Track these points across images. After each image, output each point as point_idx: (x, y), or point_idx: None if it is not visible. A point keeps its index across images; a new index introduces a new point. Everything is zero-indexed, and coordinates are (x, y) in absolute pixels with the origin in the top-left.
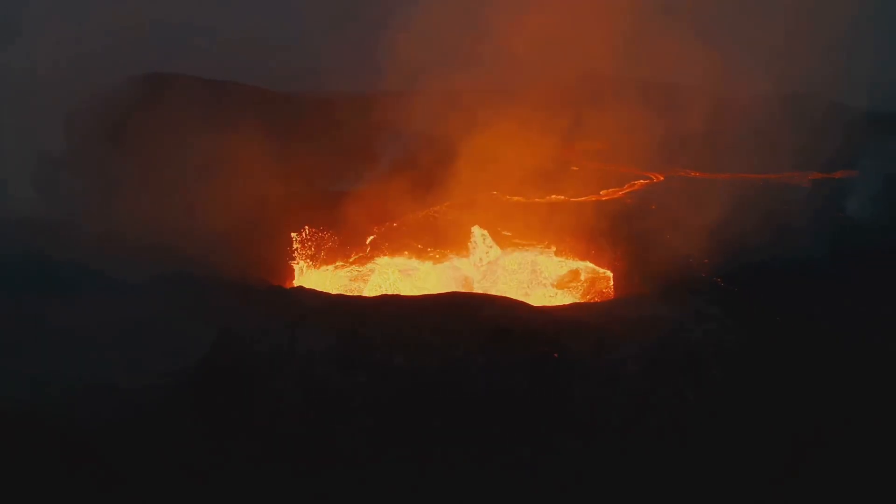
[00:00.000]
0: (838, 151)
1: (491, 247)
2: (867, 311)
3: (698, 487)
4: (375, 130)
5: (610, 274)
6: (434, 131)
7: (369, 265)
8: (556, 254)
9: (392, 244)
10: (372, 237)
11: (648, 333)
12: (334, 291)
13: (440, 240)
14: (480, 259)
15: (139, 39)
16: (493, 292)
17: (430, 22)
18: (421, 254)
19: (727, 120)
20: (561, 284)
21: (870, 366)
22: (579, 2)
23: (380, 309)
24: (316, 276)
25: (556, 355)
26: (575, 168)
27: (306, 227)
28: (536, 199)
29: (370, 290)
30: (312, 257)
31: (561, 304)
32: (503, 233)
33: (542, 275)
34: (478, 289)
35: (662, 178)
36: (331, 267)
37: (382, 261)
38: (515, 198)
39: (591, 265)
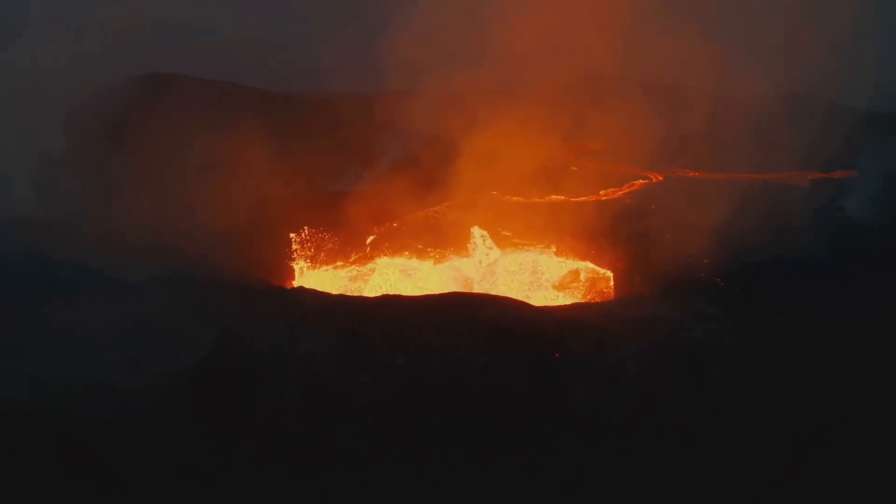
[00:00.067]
0: (838, 151)
1: (491, 248)
2: (867, 311)
3: (699, 487)
4: (375, 130)
5: (610, 274)
6: (434, 131)
7: (369, 265)
8: (556, 254)
9: (392, 244)
10: (372, 237)
11: (649, 333)
12: (335, 292)
13: (440, 240)
14: (480, 261)
15: (139, 39)
16: (493, 293)
17: (430, 22)
18: (421, 254)
19: (727, 120)
20: (562, 285)
21: (870, 366)
22: (579, 2)
23: (380, 309)
24: (316, 276)
25: (557, 355)
26: (574, 168)
27: (306, 228)
28: (536, 199)
29: (370, 290)
30: (313, 257)
31: (561, 304)
32: (503, 233)
33: (542, 276)
34: (478, 290)
35: (662, 178)
36: (331, 267)
37: (382, 261)
38: (515, 198)
39: (591, 265)
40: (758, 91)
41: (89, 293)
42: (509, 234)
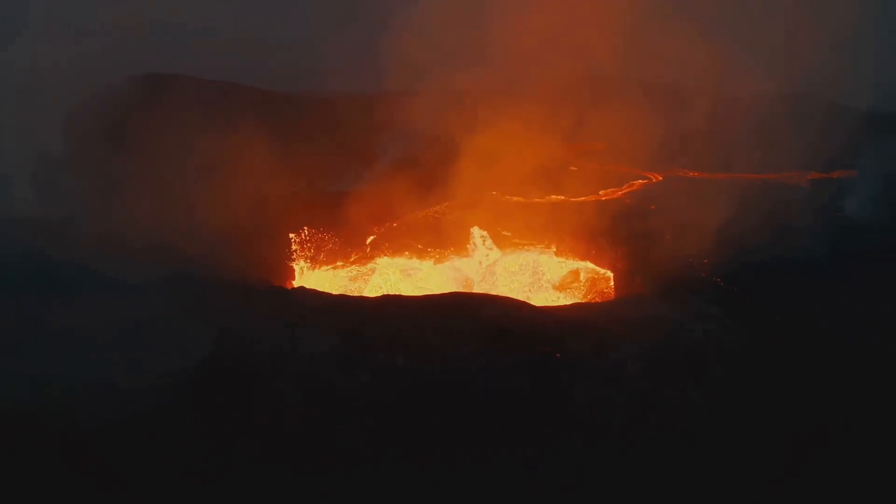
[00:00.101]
0: (838, 151)
1: (491, 249)
2: (867, 311)
3: (700, 487)
4: (375, 130)
5: (610, 274)
6: (434, 131)
7: (369, 265)
8: (557, 254)
9: (392, 244)
10: (372, 237)
11: (649, 333)
12: (335, 292)
13: (440, 240)
14: (480, 263)
15: (139, 39)
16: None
17: (429, 21)
18: (421, 254)
19: (726, 120)
20: (562, 286)
21: (870, 366)
22: (578, 2)
23: (381, 309)
24: (316, 276)
25: (558, 355)
26: (574, 168)
27: (306, 228)
28: (536, 199)
29: (371, 290)
30: (313, 257)
31: (562, 304)
32: (503, 233)
33: (543, 277)
34: (478, 290)
35: (661, 178)
36: (331, 267)
37: (383, 261)
38: (515, 198)
39: (591, 265)
40: (758, 91)
41: (89, 293)
42: (509, 234)
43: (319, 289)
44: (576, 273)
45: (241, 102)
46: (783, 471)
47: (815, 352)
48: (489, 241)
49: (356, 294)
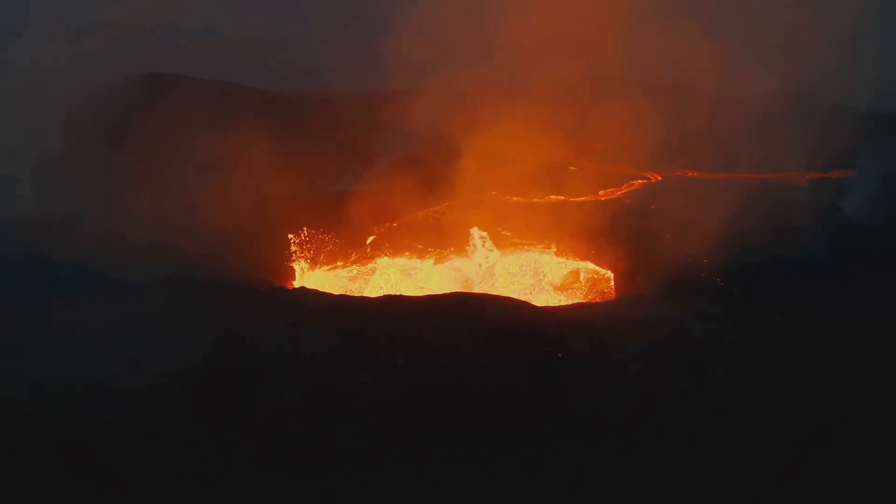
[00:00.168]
0: (838, 151)
1: (491, 250)
2: (867, 311)
3: (700, 487)
4: (375, 130)
5: (611, 274)
6: (434, 131)
7: (370, 265)
8: (557, 254)
9: (392, 244)
10: (372, 237)
11: (650, 333)
12: (336, 292)
13: (441, 240)
14: (480, 265)
15: (139, 39)
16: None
17: (430, 21)
18: (422, 254)
19: (726, 120)
20: (564, 286)
21: (870, 366)
22: (578, 2)
23: (383, 309)
24: (317, 276)
25: (559, 355)
26: (573, 168)
27: (307, 228)
28: (536, 200)
29: (371, 290)
30: (314, 257)
31: (563, 304)
32: (503, 233)
33: (544, 278)
34: (478, 290)
35: (660, 178)
36: (331, 267)
37: (383, 261)
38: (515, 198)
39: (591, 266)
40: (758, 91)
41: (89, 293)
42: (509, 234)
43: (320, 289)
44: (576, 273)
45: (241, 102)
46: (783, 471)
47: (815, 352)
48: (489, 243)
49: (357, 294)
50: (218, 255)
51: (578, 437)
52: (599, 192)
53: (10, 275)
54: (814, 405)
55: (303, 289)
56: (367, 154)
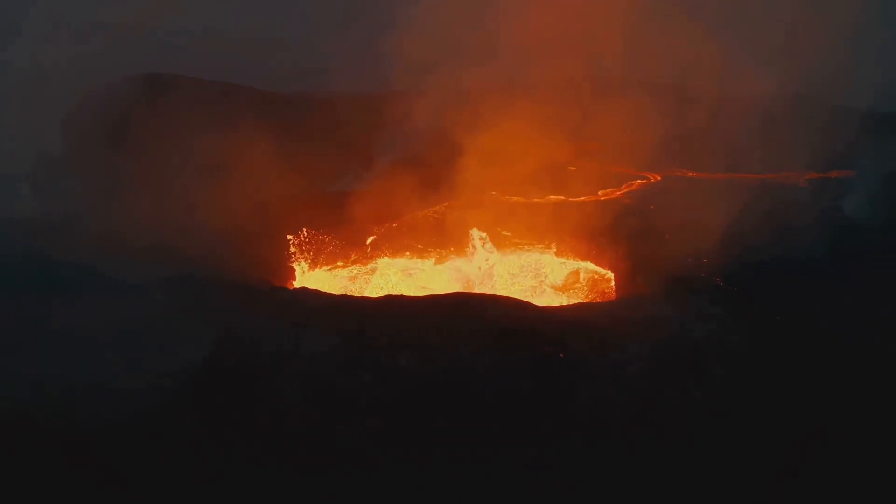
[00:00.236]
0: (838, 151)
1: (491, 252)
2: (867, 311)
3: (701, 487)
4: (375, 130)
5: (611, 275)
6: (434, 131)
7: (370, 265)
8: (557, 254)
9: (392, 244)
10: (372, 237)
11: (651, 333)
12: (336, 292)
13: (441, 240)
14: (479, 267)
15: (139, 39)
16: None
17: (430, 21)
18: (422, 254)
19: (726, 120)
20: (565, 287)
21: (870, 366)
22: (579, 2)
23: (384, 309)
24: (318, 276)
25: (561, 355)
26: (572, 168)
27: (307, 228)
28: (536, 199)
29: (372, 290)
30: (313, 258)
31: (563, 304)
32: (503, 233)
33: (546, 280)
34: (479, 290)
35: (659, 178)
36: (332, 267)
37: (383, 261)
38: (515, 198)
39: (592, 266)
40: (758, 91)
41: (89, 293)
42: (509, 234)
43: (320, 289)
44: (576, 273)
45: (241, 102)
46: (783, 471)
47: (815, 352)
48: (489, 244)
49: (357, 294)
50: (218, 255)
51: (579, 437)
52: (599, 192)
53: (10, 275)
54: (814, 405)
55: (303, 289)
56: (367, 154)
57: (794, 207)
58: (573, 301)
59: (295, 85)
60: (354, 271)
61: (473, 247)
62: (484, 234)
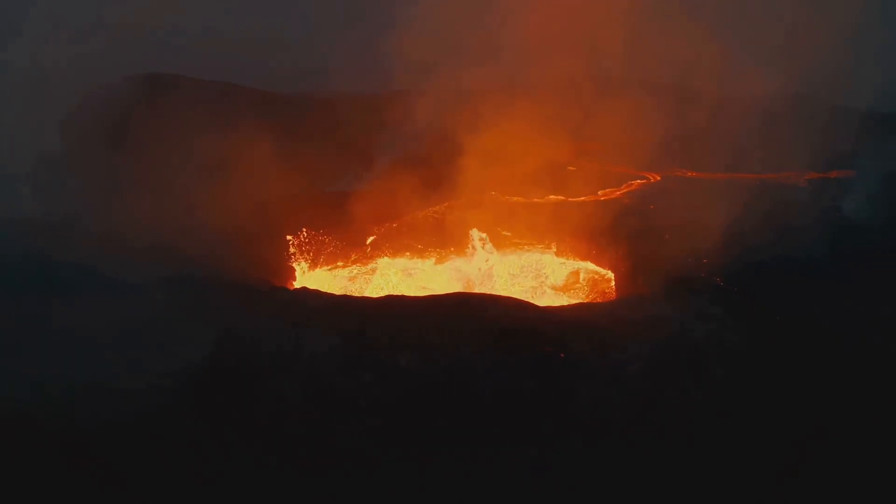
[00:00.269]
0: (838, 151)
1: (491, 253)
2: (867, 311)
3: (701, 486)
4: (375, 130)
5: (611, 275)
6: (433, 131)
7: (370, 265)
8: (557, 254)
9: (392, 244)
10: (372, 237)
11: (651, 333)
12: (337, 292)
13: (441, 240)
14: (479, 269)
15: (139, 39)
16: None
17: (430, 20)
18: (422, 254)
19: (726, 120)
20: (566, 287)
21: (870, 366)
22: (582, 1)
23: (384, 309)
24: (317, 276)
25: (562, 356)
26: (571, 168)
27: (307, 228)
28: (536, 200)
29: (372, 290)
30: (313, 258)
31: (564, 304)
32: (503, 233)
33: (546, 281)
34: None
35: (659, 178)
36: (332, 267)
37: (383, 261)
38: (514, 198)
39: (592, 266)
40: (759, 91)
41: (89, 293)
42: (509, 234)
43: (321, 289)
44: (576, 274)
45: (241, 102)
46: (783, 471)
47: (815, 352)
48: (489, 245)
49: (357, 294)
50: (218, 254)
51: (579, 437)
52: (599, 192)
53: (10, 275)
54: (814, 405)
55: (303, 289)
56: (367, 154)
57: (794, 207)
58: (573, 301)
59: (295, 85)
60: (355, 271)
61: (473, 248)
62: (484, 235)
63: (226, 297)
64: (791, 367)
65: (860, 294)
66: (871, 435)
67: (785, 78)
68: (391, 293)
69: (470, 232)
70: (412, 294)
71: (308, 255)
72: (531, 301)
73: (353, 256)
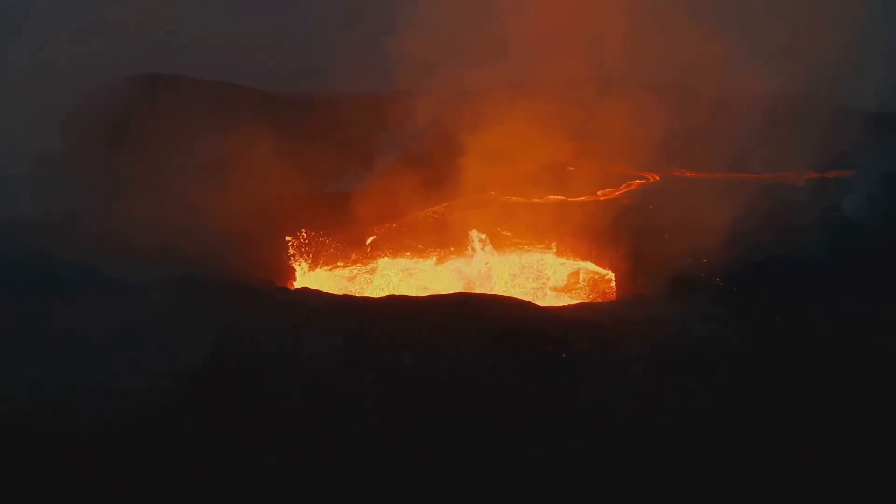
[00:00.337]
0: (839, 152)
1: (492, 254)
2: (867, 311)
3: (704, 486)
4: (376, 130)
5: (612, 275)
6: (434, 131)
7: (371, 265)
8: (557, 254)
9: (393, 244)
10: (372, 237)
11: (652, 333)
12: (338, 292)
13: (441, 240)
14: (479, 270)
15: (139, 39)
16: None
17: (431, 20)
18: (422, 254)
19: (726, 120)
20: (566, 288)
21: (870, 366)
22: (582, 1)
23: (385, 309)
24: (318, 276)
25: (564, 355)
26: (571, 168)
27: (308, 228)
28: (535, 200)
29: (373, 290)
30: (315, 258)
31: (565, 304)
32: (503, 233)
33: (547, 282)
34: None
35: (658, 178)
36: (332, 267)
37: (384, 261)
38: (514, 198)
39: (592, 266)
40: (760, 91)
41: (89, 293)
42: (509, 234)
43: (321, 289)
44: (577, 274)
45: (242, 102)
46: (784, 470)
47: (816, 352)
48: (489, 247)
49: (358, 294)
50: (218, 255)
51: (581, 438)
52: (599, 192)
53: (10, 275)
54: (814, 405)
55: (304, 289)
56: (368, 154)
57: (794, 207)
58: (574, 301)
59: (295, 85)
60: (355, 271)
61: (473, 249)
62: (483, 236)
63: (226, 298)
64: (791, 367)
65: (860, 294)
66: (871, 435)
67: (785, 78)
68: (392, 293)
69: (469, 233)
70: (413, 294)
71: (308, 255)
72: (533, 301)
73: (354, 256)
